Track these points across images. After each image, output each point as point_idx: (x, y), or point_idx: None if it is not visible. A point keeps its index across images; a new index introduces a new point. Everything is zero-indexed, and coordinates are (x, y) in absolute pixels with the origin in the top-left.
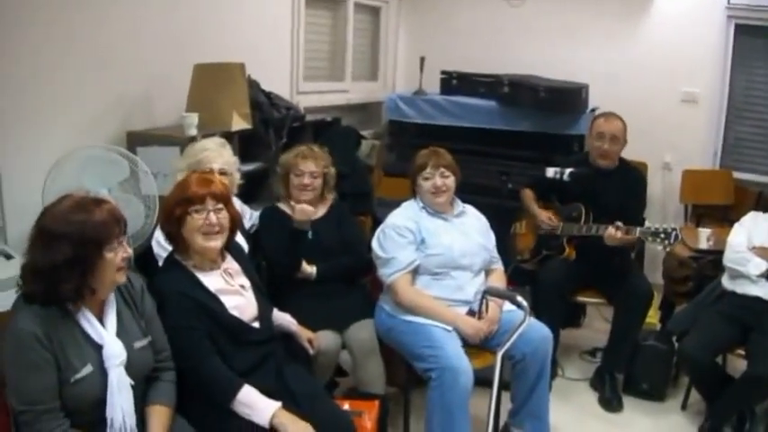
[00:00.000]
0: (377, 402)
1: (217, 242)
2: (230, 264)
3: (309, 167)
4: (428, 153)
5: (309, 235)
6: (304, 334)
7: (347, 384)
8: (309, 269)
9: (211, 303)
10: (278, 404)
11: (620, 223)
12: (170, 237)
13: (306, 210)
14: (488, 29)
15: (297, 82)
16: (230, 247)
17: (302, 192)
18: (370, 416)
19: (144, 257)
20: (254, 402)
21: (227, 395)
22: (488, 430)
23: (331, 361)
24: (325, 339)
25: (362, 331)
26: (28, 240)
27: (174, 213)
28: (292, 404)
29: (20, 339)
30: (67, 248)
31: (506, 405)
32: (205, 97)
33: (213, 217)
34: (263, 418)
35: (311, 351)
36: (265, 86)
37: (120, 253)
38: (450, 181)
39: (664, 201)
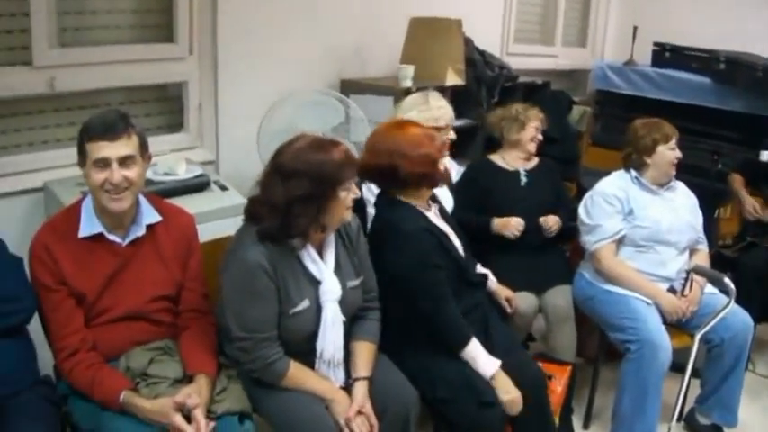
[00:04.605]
0: (568, 368)
1: None
2: (435, 210)
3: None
4: (669, 125)
5: (522, 182)
6: (502, 292)
7: (536, 350)
8: (516, 225)
9: (446, 241)
10: (498, 362)
11: None
12: (419, 177)
13: (512, 229)
14: (705, 2)
15: (507, 43)
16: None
17: (531, 143)
18: (560, 380)
19: None
20: (477, 356)
21: (459, 344)
22: (675, 413)
23: (527, 323)
24: (523, 301)
25: (560, 297)
26: (260, 177)
27: (436, 158)
28: (493, 353)
29: (246, 269)
30: (306, 185)
31: (693, 392)
32: (420, 51)
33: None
34: (486, 372)
35: (509, 310)
36: (476, 45)
37: (351, 194)
38: None
39: None
